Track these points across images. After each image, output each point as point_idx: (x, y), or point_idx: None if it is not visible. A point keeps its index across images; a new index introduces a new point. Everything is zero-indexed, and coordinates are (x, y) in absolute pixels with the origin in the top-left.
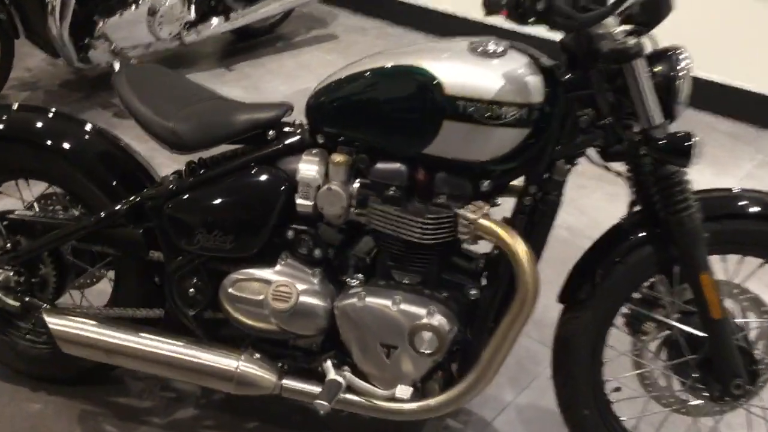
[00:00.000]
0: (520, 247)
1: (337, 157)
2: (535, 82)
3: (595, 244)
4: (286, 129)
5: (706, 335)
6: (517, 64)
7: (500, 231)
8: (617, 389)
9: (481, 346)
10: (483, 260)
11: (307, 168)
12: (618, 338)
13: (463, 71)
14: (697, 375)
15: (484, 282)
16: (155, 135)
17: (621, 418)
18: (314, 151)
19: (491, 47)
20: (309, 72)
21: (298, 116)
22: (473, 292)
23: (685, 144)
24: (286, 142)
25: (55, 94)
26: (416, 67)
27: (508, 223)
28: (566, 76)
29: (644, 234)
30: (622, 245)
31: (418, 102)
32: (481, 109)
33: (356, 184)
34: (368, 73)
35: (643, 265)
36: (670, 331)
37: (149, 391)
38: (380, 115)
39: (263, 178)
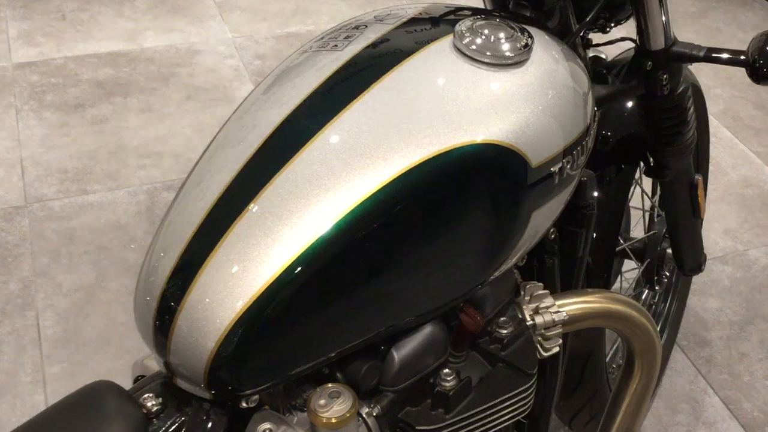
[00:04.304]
0: (650, 324)
1: (339, 406)
2: (584, 70)
3: None
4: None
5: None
6: (553, 55)
7: (627, 310)
8: None
9: None
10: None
11: None
12: None
13: (526, 117)
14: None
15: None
16: None
17: None
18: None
19: (505, 43)
20: None
21: None
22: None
23: None
24: None
25: None
26: (477, 144)
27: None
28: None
29: None
30: None
31: (495, 203)
32: (564, 165)
33: (372, 419)
34: (371, 201)
35: None
36: None
37: None
38: (415, 263)
39: None
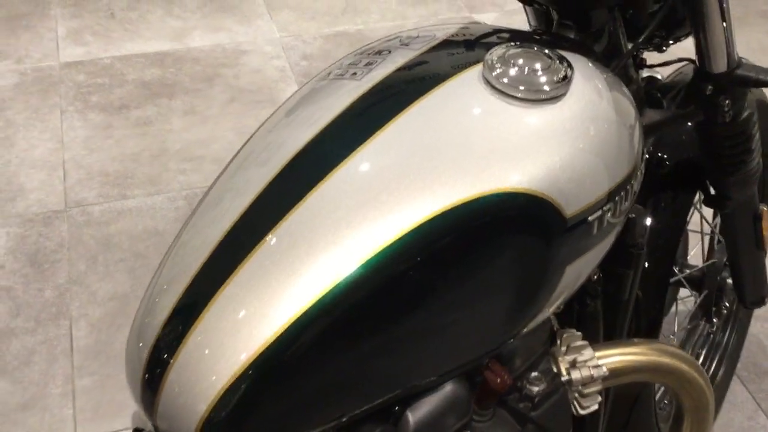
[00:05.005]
0: (703, 378)
1: None
2: (632, 103)
3: None
4: None
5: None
6: (596, 87)
7: (677, 363)
8: None
9: None
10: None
11: None
12: None
13: (561, 160)
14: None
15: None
16: None
17: None
18: None
19: (541, 75)
20: None
21: None
22: None
23: None
24: None
25: None
26: (504, 192)
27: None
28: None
29: None
30: None
31: (522, 257)
32: (605, 213)
33: None
34: (386, 254)
35: None
36: None
37: None
38: (434, 321)
39: None
